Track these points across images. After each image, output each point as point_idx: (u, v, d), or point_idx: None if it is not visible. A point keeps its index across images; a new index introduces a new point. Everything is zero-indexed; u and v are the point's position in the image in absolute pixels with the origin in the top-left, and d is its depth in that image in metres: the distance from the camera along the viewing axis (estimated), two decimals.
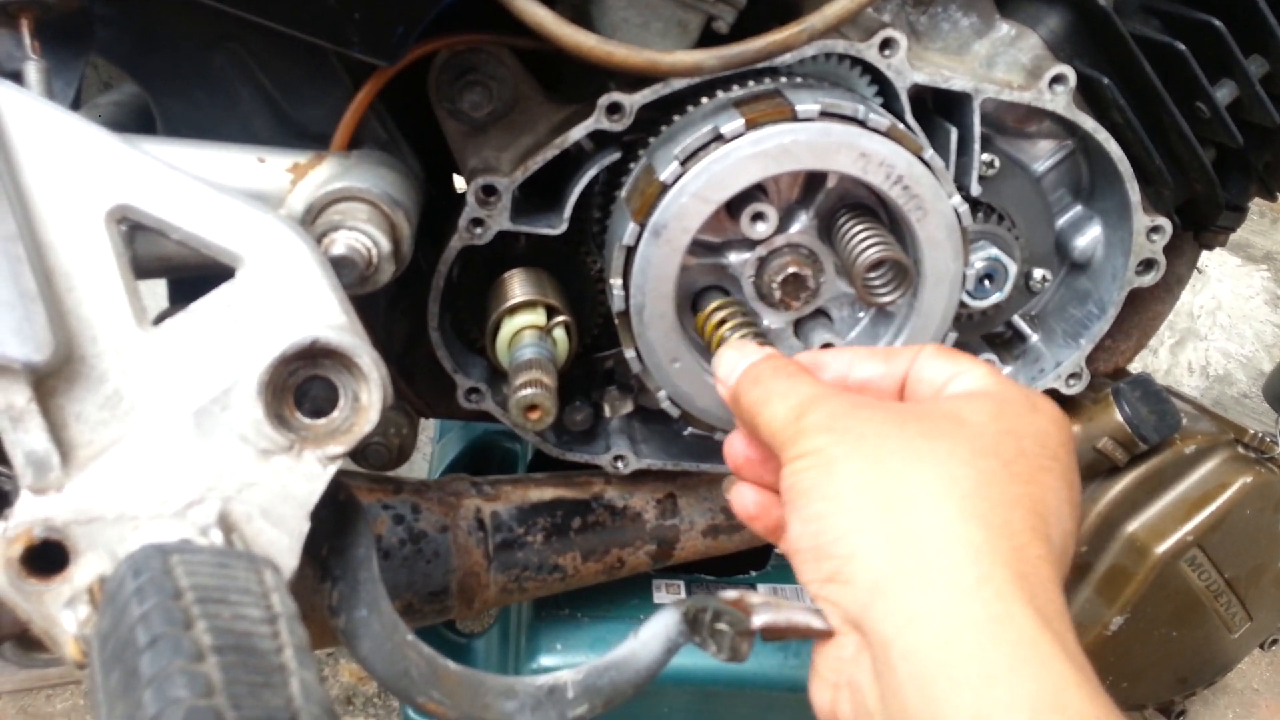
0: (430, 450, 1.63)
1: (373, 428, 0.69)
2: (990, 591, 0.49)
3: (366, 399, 0.69)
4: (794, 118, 0.80)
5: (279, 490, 0.67)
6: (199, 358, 0.67)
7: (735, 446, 0.71)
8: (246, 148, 0.81)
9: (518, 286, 0.93)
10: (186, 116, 0.84)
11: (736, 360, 0.70)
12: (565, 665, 1.12)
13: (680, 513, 1.10)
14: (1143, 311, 1.16)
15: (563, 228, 0.91)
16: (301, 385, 0.69)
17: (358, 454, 0.99)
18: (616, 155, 0.90)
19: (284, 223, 0.69)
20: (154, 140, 0.80)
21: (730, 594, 0.67)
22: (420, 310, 0.96)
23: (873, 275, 0.84)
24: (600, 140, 0.92)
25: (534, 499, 1.05)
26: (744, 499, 0.72)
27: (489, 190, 0.89)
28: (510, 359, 0.88)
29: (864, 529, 0.53)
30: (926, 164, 0.83)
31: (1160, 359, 2.25)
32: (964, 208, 0.86)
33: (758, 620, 0.63)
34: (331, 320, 0.69)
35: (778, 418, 0.62)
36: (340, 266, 0.74)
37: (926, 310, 0.89)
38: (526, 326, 0.90)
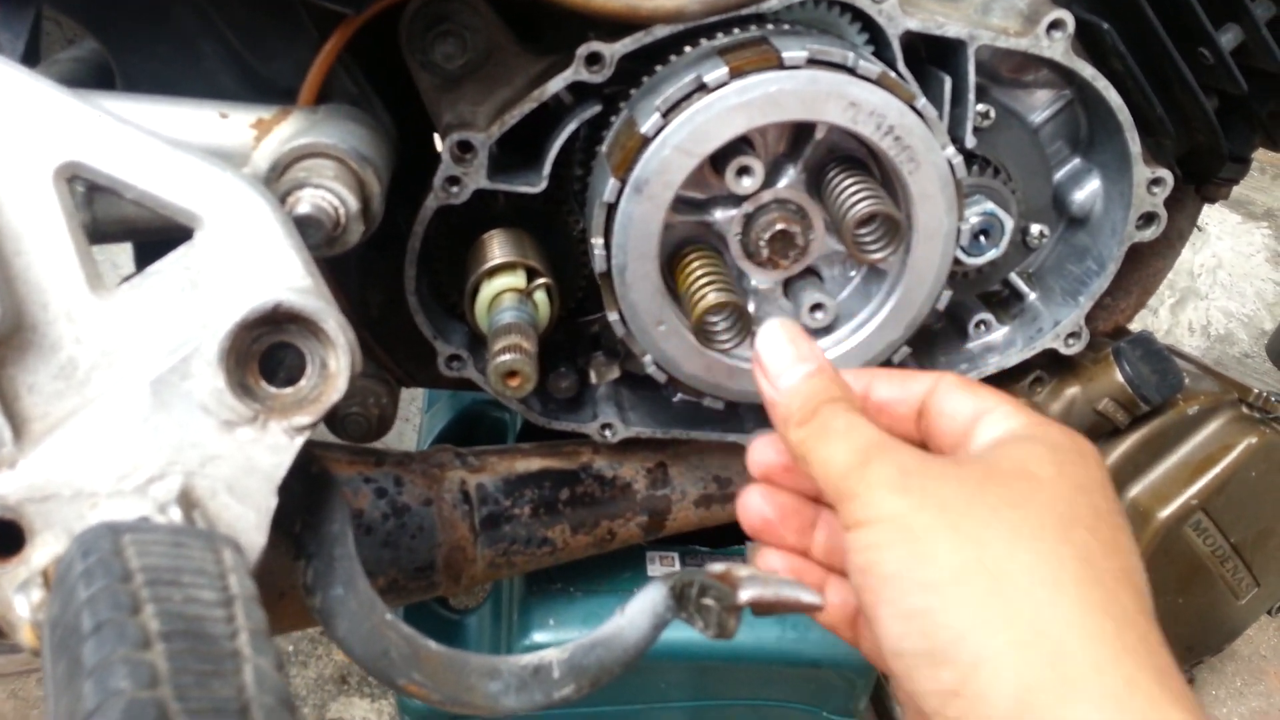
0: (419, 421, 1.59)
1: (341, 396, 0.65)
2: (1143, 699, 0.45)
3: (335, 366, 0.65)
4: (780, 65, 0.77)
5: (244, 463, 0.64)
6: (157, 324, 0.64)
7: (763, 453, 0.65)
8: (208, 103, 0.77)
9: (497, 248, 0.90)
10: (147, 72, 0.80)
11: (787, 360, 0.61)
12: (558, 641, 1.09)
13: (671, 482, 1.07)
14: (1143, 268, 1.12)
15: (542, 185, 0.88)
16: (271, 352, 0.66)
17: (336, 425, 0.96)
18: (597, 108, 0.87)
19: (244, 180, 0.65)
20: (111, 96, 0.76)
21: (717, 567, 0.64)
22: (398, 275, 0.92)
23: (863, 231, 0.81)
24: (581, 93, 0.88)
25: (520, 470, 1.02)
26: (759, 507, 0.66)
27: (464, 146, 0.85)
28: (489, 323, 0.85)
29: (984, 629, 0.47)
30: (919, 113, 0.79)
31: (1160, 318, 2.21)
32: (958, 160, 0.82)
33: (744, 595, 0.60)
34: (296, 283, 0.65)
35: (837, 462, 0.55)
36: (306, 226, 0.71)
37: (919, 267, 0.85)
38: (506, 289, 0.87)
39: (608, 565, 1.14)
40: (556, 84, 0.83)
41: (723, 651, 1.13)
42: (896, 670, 0.51)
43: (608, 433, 1.01)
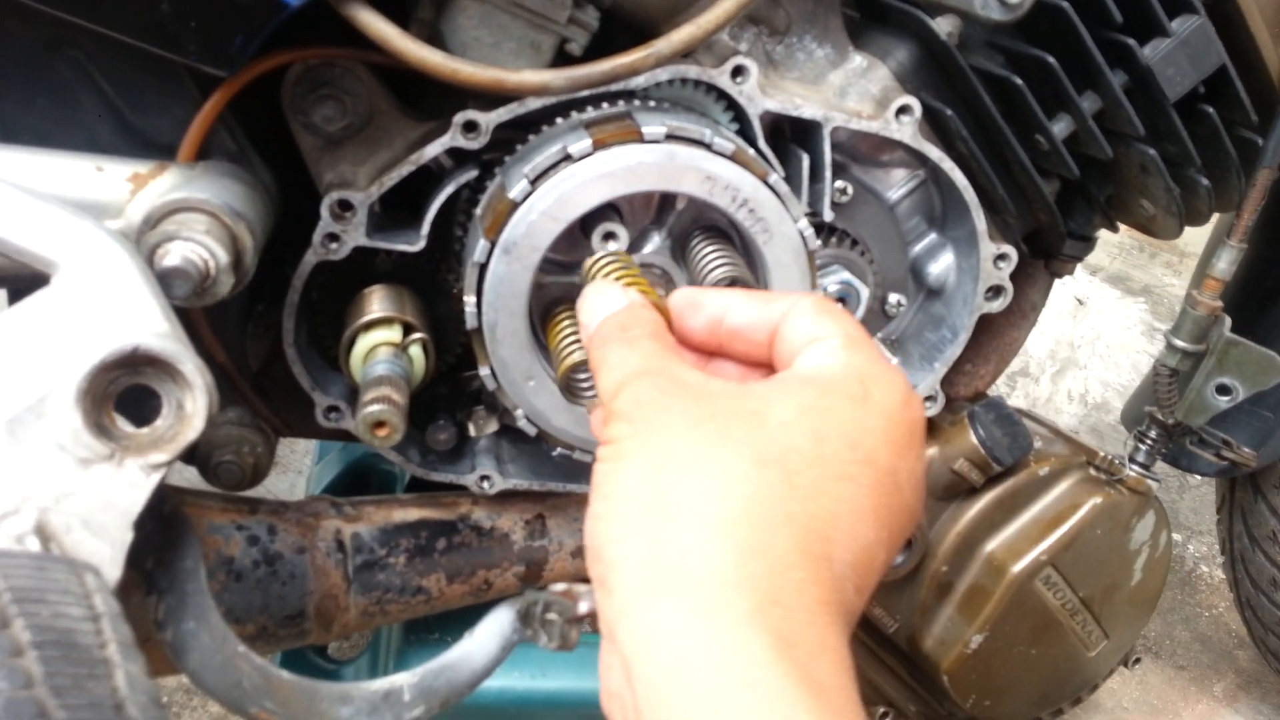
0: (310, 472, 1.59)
1: (198, 435, 0.68)
2: (726, 620, 0.46)
3: (191, 406, 0.68)
4: (641, 140, 0.82)
5: (100, 500, 0.65)
6: (12, 365, 0.65)
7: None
8: (84, 156, 0.79)
9: (375, 303, 0.93)
10: (26, 123, 0.82)
11: (596, 306, 0.65)
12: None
13: (549, 534, 1.10)
14: (999, 337, 1.20)
15: (420, 244, 0.91)
16: (128, 394, 0.68)
17: (209, 472, 0.96)
18: (474, 173, 0.91)
19: (101, 230, 0.68)
20: None
21: (560, 587, 0.68)
22: (280, 326, 0.94)
23: None
24: (461, 158, 0.93)
25: (397, 520, 1.04)
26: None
27: (344, 205, 0.89)
28: (362, 375, 0.88)
29: (628, 539, 0.51)
30: (771, 188, 0.85)
31: (1041, 387, 2.32)
32: (809, 231, 0.88)
33: (583, 606, 0.63)
34: (154, 328, 0.68)
35: (604, 390, 0.58)
36: (175, 277, 0.73)
37: None
38: (381, 343, 0.90)
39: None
40: (434, 148, 0.87)
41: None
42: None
43: (485, 484, 1.03)
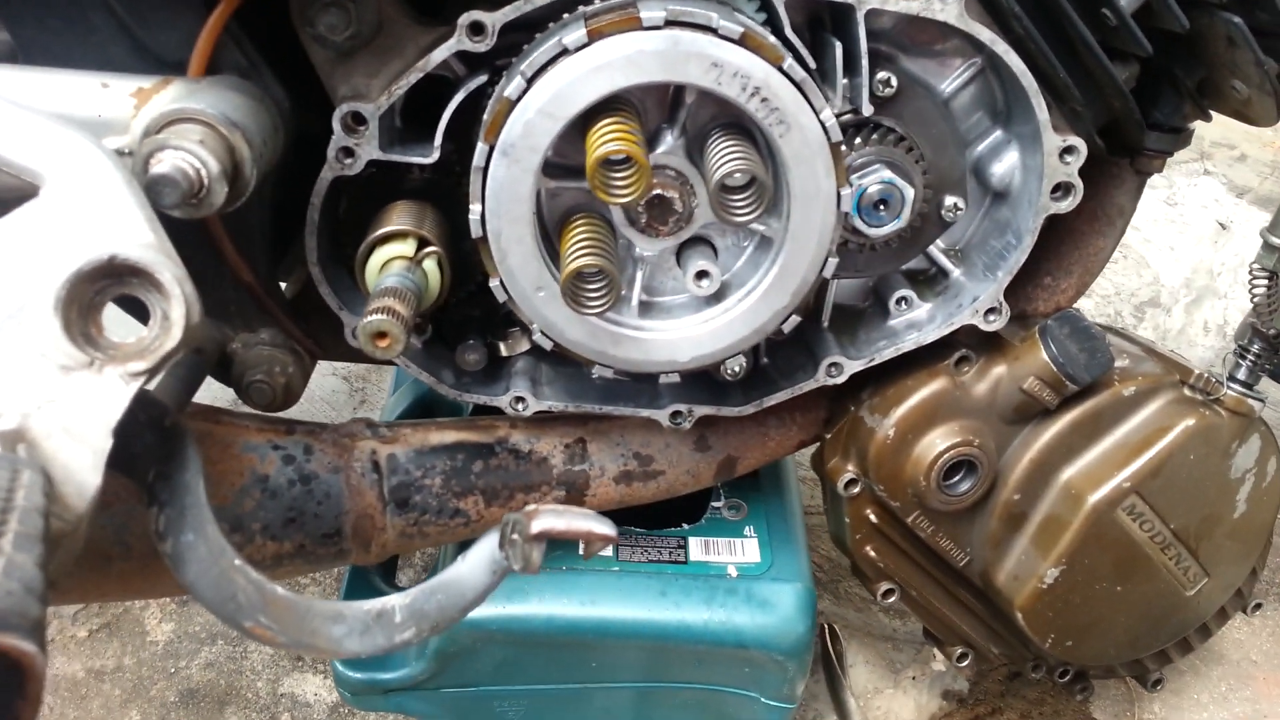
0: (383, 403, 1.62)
1: (177, 344, 0.67)
2: None
3: (174, 316, 0.68)
4: (640, 27, 0.77)
5: (80, 406, 0.66)
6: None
7: None
8: (90, 74, 0.80)
9: (394, 217, 0.91)
10: (42, 45, 0.84)
11: None
12: (483, 616, 1.12)
13: (590, 458, 1.07)
14: (1082, 246, 1.09)
15: (434, 155, 0.89)
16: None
17: (240, 391, 0.98)
18: (483, 79, 0.88)
19: (88, 140, 0.68)
20: (3, 68, 0.80)
21: (530, 508, 0.65)
22: None
23: (729, 193, 0.80)
24: (474, 65, 0.90)
25: (434, 442, 1.03)
26: None
27: (356, 118, 0.87)
28: (372, 288, 0.87)
29: None
30: (786, 74, 0.79)
31: (1174, 318, 2.13)
32: (832, 122, 0.81)
33: (536, 525, 0.61)
34: (138, 238, 0.68)
35: None
36: (163, 185, 0.73)
37: (800, 233, 0.84)
38: (395, 257, 0.88)
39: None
40: (440, 53, 0.85)
41: (648, 631, 1.12)
42: None
43: (520, 406, 1.01)
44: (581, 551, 0.68)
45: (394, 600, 0.74)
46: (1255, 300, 1.01)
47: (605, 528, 0.60)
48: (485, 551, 0.73)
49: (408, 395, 1.47)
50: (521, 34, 0.86)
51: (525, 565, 0.63)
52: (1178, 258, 2.39)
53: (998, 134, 0.98)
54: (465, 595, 0.73)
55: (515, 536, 0.64)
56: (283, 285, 1.08)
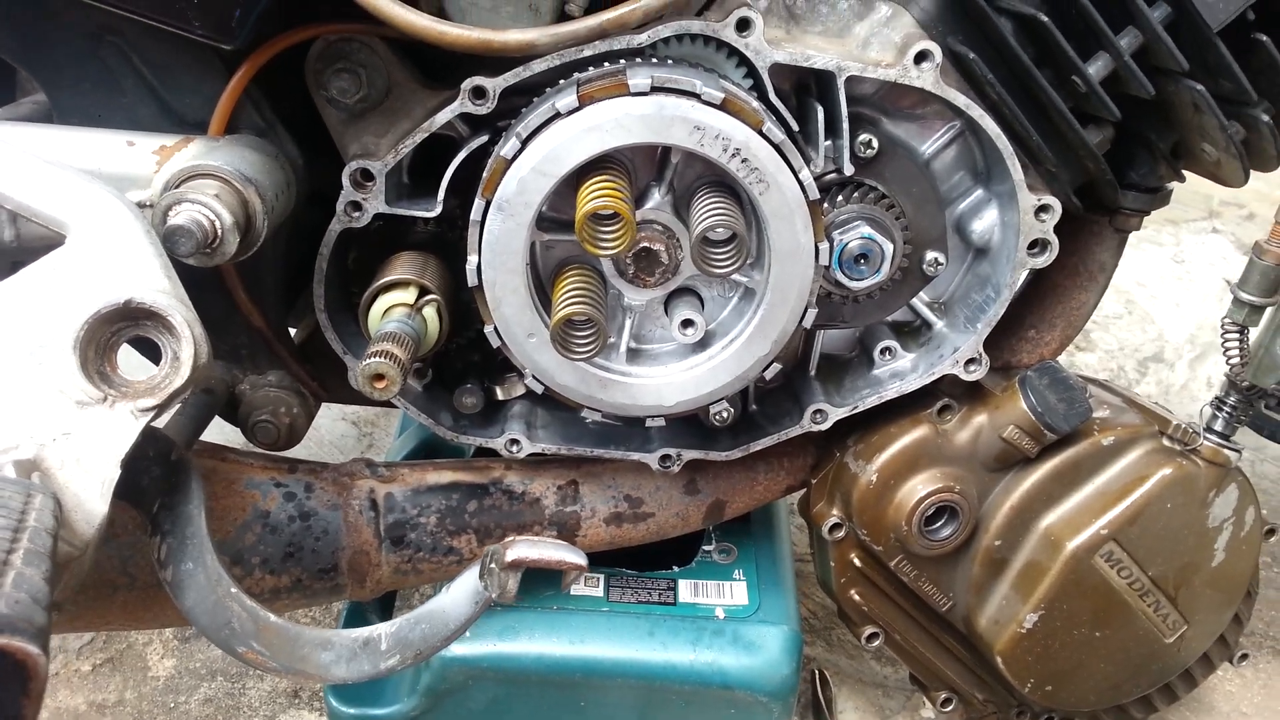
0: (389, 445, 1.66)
1: (185, 382, 0.72)
2: None
3: (183, 356, 0.72)
4: (628, 92, 0.82)
5: (92, 439, 0.71)
6: (24, 317, 0.71)
7: None
8: (117, 132, 0.86)
9: (397, 266, 0.96)
10: (76, 106, 0.90)
11: None
12: (474, 654, 1.15)
13: (582, 499, 1.11)
14: (1065, 301, 1.13)
15: (436, 209, 0.94)
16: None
17: (246, 430, 1.02)
18: (485, 138, 0.93)
19: (111, 193, 0.73)
20: (25, 125, 0.86)
21: (508, 539, 0.69)
22: None
23: (710, 247, 0.84)
24: (477, 126, 0.95)
25: (430, 482, 1.07)
26: None
27: (365, 174, 0.93)
28: (374, 332, 0.91)
29: None
30: (765, 137, 0.83)
31: (1177, 373, 2.16)
32: (810, 181, 0.86)
33: (511, 554, 0.64)
34: (154, 284, 0.73)
35: None
36: (179, 235, 0.78)
37: (780, 285, 0.89)
38: (396, 304, 0.93)
39: (529, 582, 1.17)
40: (445, 115, 0.90)
41: (635, 670, 1.14)
42: None
43: (514, 448, 1.05)
44: (562, 585, 0.72)
45: (380, 629, 0.78)
46: (1227, 354, 1.04)
47: (576, 557, 0.63)
48: (467, 583, 0.76)
49: (413, 438, 1.51)
50: (521, 98, 0.91)
51: (502, 593, 0.67)
52: (1183, 314, 2.41)
53: (979, 193, 1.03)
54: (448, 625, 0.77)
55: (493, 566, 0.67)
56: (292, 331, 1.13)
